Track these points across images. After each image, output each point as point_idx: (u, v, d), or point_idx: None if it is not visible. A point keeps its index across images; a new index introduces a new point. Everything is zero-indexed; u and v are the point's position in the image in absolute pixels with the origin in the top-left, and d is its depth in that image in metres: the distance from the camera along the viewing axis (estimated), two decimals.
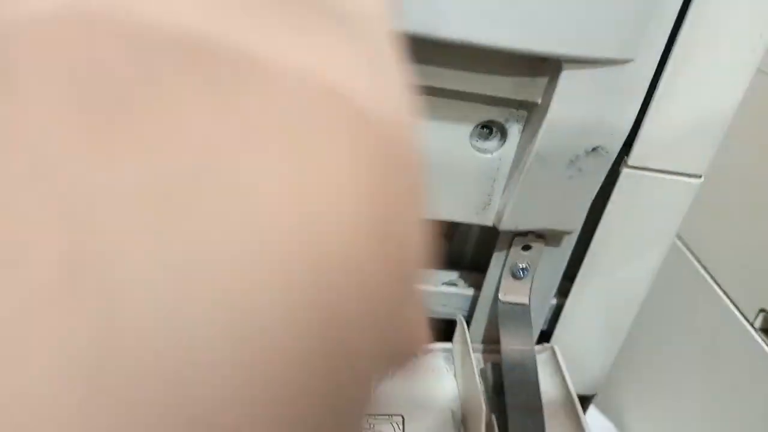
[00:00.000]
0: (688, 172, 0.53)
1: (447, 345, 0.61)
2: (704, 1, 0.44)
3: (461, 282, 0.64)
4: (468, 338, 0.57)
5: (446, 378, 0.59)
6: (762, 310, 0.62)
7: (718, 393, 0.67)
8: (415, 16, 0.38)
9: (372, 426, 0.53)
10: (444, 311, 0.63)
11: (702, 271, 0.72)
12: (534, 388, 0.54)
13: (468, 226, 0.64)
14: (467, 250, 0.65)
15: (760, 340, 0.62)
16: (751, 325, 0.63)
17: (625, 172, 0.53)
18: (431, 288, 0.62)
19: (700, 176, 0.54)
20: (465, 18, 0.39)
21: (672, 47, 0.46)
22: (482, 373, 0.58)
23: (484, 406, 0.51)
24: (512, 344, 0.56)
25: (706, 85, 0.49)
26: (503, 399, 0.54)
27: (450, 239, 0.64)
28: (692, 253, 0.73)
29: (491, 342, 0.62)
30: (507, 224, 0.52)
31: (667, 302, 0.77)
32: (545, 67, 0.44)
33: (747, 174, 0.67)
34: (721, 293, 0.68)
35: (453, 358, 0.61)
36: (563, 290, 0.62)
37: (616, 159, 0.50)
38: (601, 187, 0.52)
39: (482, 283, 0.62)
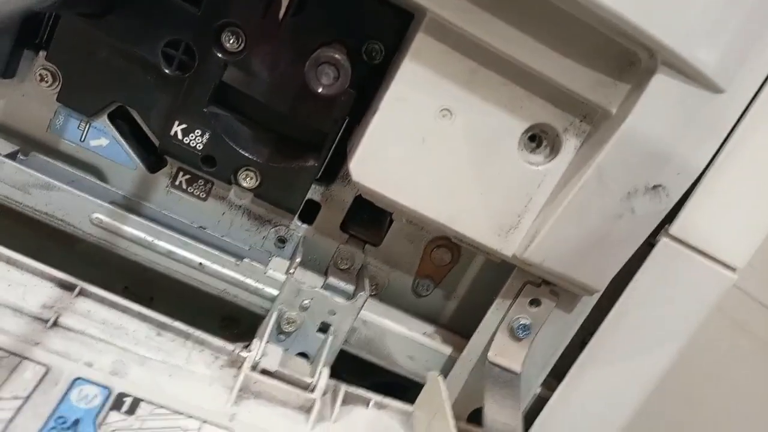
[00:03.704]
0: (725, 261, 0.48)
1: (405, 407, 0.49)
2: None
3: (437, 337, 0.53)
4: (446, 397, 0.45)
5: None
6: None
7: None
8: None
9: None
10: (410, 366, 0.52)
11: None
12: None
13: (458, 277, 0.54)
14: (449, 306, 0.55)
15: None
16: None
17: (663, 241, 0.47)
18: (404, 332, 0.51)
19: (735, 270, 0.48)
20: None
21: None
22: None
23: None
24: (498, 414, 0.45)
25: None
26: None
27: (436, 284, 0.54)
28: None
29: (463, 410, 0.50)
30: (532, 256, 0.43)
31: None
32: (633, 72, 0.39)
33: None
34: None
35: (412, 422, 0.48)
36: (548, 385, 0.52)
37: (655, 229, 0.44)
38: (628, 264, 0.45)
39: (460, 345, 0.52)
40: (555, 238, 0.43)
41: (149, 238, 0.47)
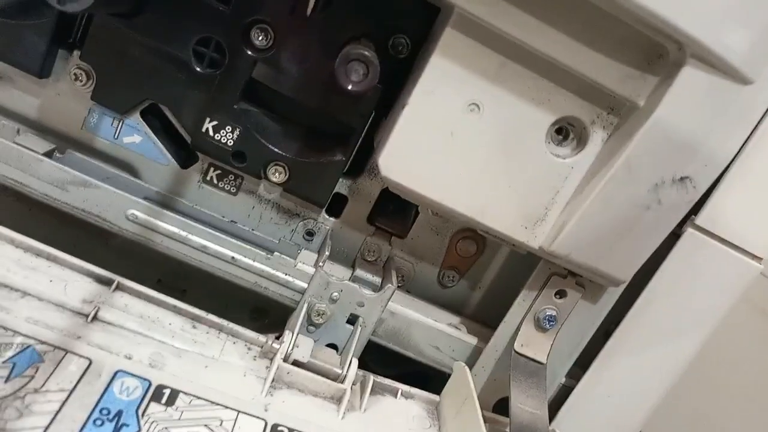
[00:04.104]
0: (751, 251, 0.48)
1: (432, 397, 0.50)
2: None
3: (463, 328, 0.54)
4: (472, 387, 0.46)
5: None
6: None
7: None
8: None
9: None
10: (436, 357, 0.52)
11: None
12: None
13: (483, 268, 0.55)
14: (474, 297, 0.56)
15: None
16: None
17: (689, 232, 0.47)
18: (430, 323, 0.52)
19: (761, 260, 0.48)
20: None
21: None
22: None
23: None
24: (523, 403, 0.46)
25: None
26: None
27: (461, 275, 0.55)
28: None
29: (489, 400, 0.51)
30: (559, 248, 0.44)
31: None
32: (662, 64, 0.39)
33: None
34: None
35: (439, 412, 0.49)
36: (573, 375, 0.53)
37: (681, 220, 0.44)
38: (654, 255, 0.46)
39: (485, 336, 0.52)
40: (582, 229, 0.43)
41: (184, 233, 0.48)
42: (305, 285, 0.49)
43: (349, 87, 0.41)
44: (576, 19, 0.38)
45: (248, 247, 0.49)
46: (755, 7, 0.37)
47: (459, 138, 0.42)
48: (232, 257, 0.49)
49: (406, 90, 0.43)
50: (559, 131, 0.43)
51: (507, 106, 0.41)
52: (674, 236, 0.47)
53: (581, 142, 0.43)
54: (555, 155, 0.43)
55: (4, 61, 0.45)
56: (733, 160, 0.44)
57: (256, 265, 0.49)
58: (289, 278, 0.50)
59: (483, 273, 0.55)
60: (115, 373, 0.38)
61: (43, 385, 0.35)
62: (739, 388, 0.73)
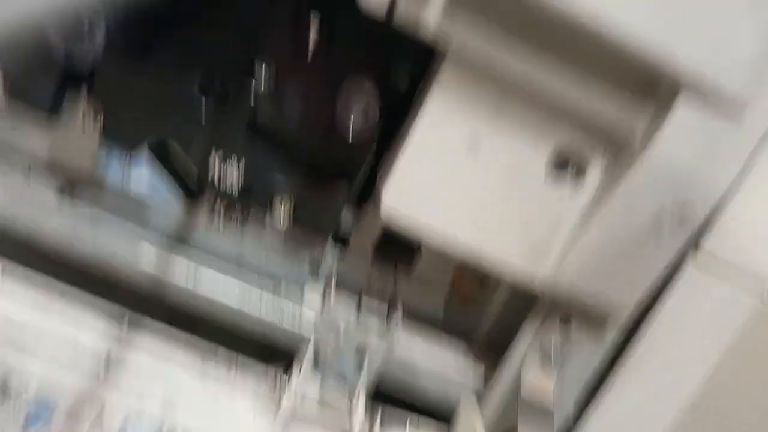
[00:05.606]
0: (758, 273, 0.47)
1: (441, 426, 0.50)
2: None
3: (470, 358, 0.54)
4: (480, 418, 0.46)
5: None
6: None
7: None
8: None
9: None
10: (443, 387, 0.53)
11: None
12: None
13: (489, 297, 0.55)
14: (481, 327, 0.56)
15: None
16: None
17: (691, 258, 0.47)
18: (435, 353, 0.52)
19: None
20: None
21: None
22: None
23: None
24: None
25: None
26: None
27: (468, 304, 0.55)
28: None
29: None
30: (561, 280, 0.44)
31: None
32: (658, 95, 0.40)
33: None
34: None
35: None
36: (579, 408, 0.52)
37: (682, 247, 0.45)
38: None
39: (492, 365, 0.52)
40: (583, 260, 0.43)
41: (191, 288, 0.49)
42: (312, 319, 0.50)
43: (350, 135, 0.42)
44: (572, 55, 0.39)
45: (255, 288, 0.50)
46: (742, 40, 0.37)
47: (460, 175, 0.42)
48: (239, 310, 0.49)
49: (405, 127, 0.44)
50: (559, 164, 0.44)
51: (506, 140, 0.42)
52: (676, 265, 0.47)
53: (581, 174, 0.43)
54: (555, 188, 0.43)
55: (15, 98, 0.46)
56: (733, 186, 0.44)
57: (263, 307, 0.50)
58: (296, 313, 0.50)
59: (489, 303, 0.55)
60: (126, 416, 0.39)
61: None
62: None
